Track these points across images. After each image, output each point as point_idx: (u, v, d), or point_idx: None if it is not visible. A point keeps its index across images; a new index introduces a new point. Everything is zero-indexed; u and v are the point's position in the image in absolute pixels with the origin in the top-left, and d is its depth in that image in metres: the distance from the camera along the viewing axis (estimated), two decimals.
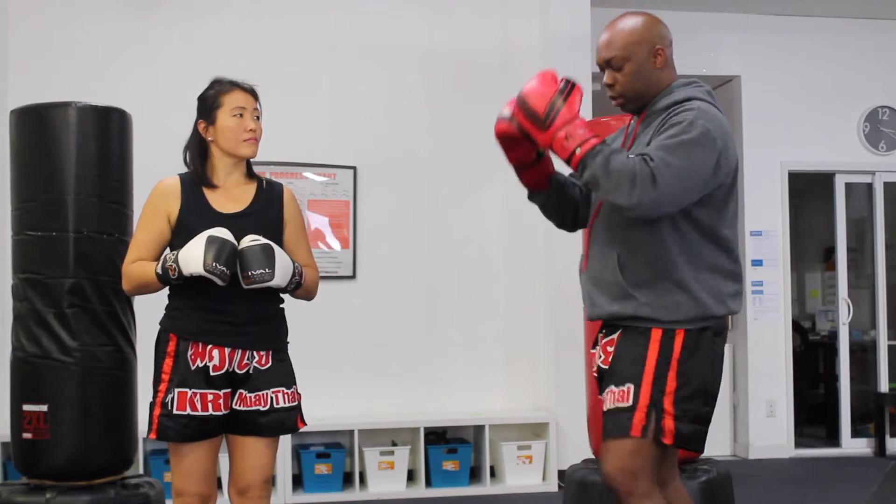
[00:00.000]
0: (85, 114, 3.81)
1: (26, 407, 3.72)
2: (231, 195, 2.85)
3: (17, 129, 3.87)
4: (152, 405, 2.77)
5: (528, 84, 2.53)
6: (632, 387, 2.47)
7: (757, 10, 6.99)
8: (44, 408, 3.68)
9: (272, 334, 2.86)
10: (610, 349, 2.59)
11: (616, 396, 2.50)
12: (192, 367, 2.74)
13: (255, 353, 2.80)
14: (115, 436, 3.78)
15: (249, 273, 2.68)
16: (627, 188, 2.38)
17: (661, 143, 2.43)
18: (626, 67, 2.59)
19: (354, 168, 6.09)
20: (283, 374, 2.85)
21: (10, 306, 3.88)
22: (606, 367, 2.60)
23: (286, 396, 2.83)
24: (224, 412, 2.77)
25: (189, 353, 2.75)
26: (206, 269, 2.62)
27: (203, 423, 2.74)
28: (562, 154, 2.49)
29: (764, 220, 7.05)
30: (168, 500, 3.84)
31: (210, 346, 2.75)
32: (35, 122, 3.83)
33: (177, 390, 2.72)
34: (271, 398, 2.80)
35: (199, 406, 2.72)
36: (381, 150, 6.12)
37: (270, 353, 2.83)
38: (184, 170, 2.92)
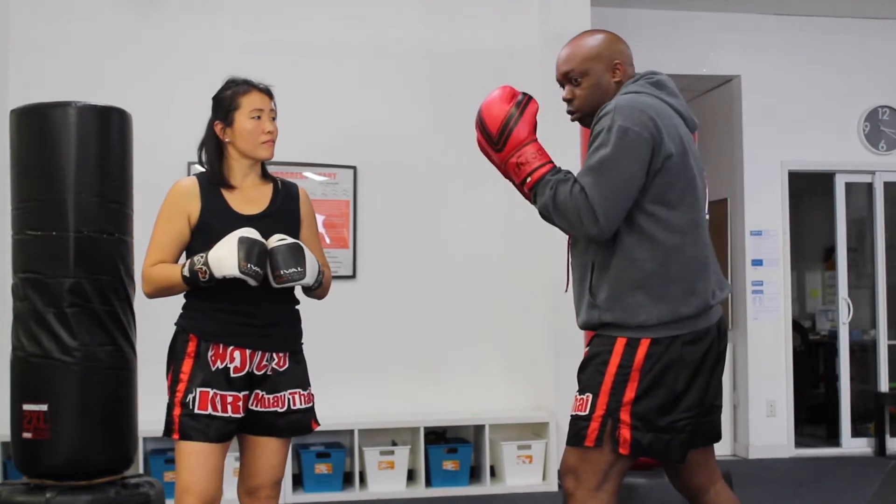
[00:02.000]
0: (85, 114, 3.81)
1: (26, 406, 3.72)
2: (249, 196, 2.84)
3: (17, 129, 3.87)
4: (171, 405, 2.72)
5: (485, 100, 2.55)
6: (590, 396, 2.49)
7: (757, 10, 6.99)
8: (44, 407, 3.68)
9: (291, 336, 2.86)
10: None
11: (577, 404, 2.53)
12: (213, 369, 2.71)
13: (274, 354, 2.79)
14: (115, 435, 3.78)
15: (282, 272, 2.68)
16: (576, 223, 2.43)
17: (589, 161, 2.44)
18: (584, 81, 2.60)
19: (354, 168, 6.09)
20: (299, 376, 2.85)
21: (10, 306, 3.88)
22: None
23: (302, 398, 2.83)
24: (241, 414, 2.75)
25: (210, 354, 2.72)
26: (241, 271, 2.61)
27: (224, 425, 2.71)
28: (515, 179, 2.53)
29: (764, 219, 7.05)
30: (168, 500, 3.84)
31: (231, 348, 2.73)
32: (35, 122, 3.83)
33: (199, 389, 2.69)
34: (288, 399, 2.80)
35: (219, 407, 2.70)
36: (381, 150, 6.12)
37: (288, 354, 2.83)
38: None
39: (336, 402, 5.90)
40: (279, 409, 2.79)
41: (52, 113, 3.80)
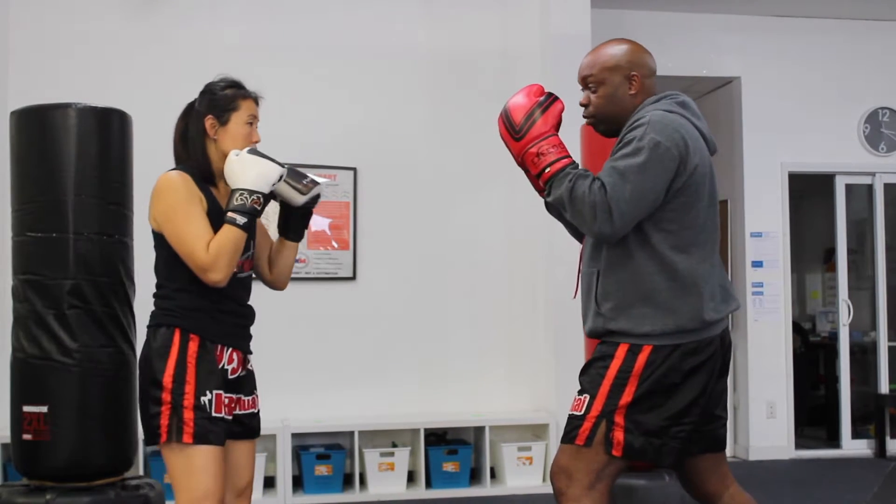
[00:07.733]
0: (85, 115, 3.81)
1: (26, 408, 3.72)
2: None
3: (17, 131, 3.87)
4: (177, 408, 2.58)
5: (514, 94, 2.61)
6: (587, 397, 2.53)
7: (757, 12, 6.99)
8: (44, 409, 3.68)
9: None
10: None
11: (574, 404, 2.58)
12: (218, 370, 2.68)
13: (247, 356, 2.82)
14: (115, 437, 3.78)
15: (308, 179, 2.76)
16: (588, 218, 2.47)
17: (615, 164, 2.48)
18: (600, 90, 2.65)
19: (354, 169, 6.09)
20: (254, 377, 2.86)
21: (10, 307, 3.87)
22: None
23: (257, 399, 2.86)
24: (231, 418, 2.74)
25: (214, 355, 2.67)
26: (287, 170, 2.69)
27: (229, 427, 2.69)
28: (533, 170, 2.58)
29: (764, 221, 7.05)
30: (168, 502, 3.84)
31: (231, 350, 2.72)
32: (35, 124, 3.83)
33: (215, 392, 2.63)
34: (256, 401, 2.84)
35: (228, 410, 2.69)
36: (381, 150, 6.12)
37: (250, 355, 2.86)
38: None
39: (336, 404, 5.91)
40: (255, 411, 2.82)
41: (52, 114, 3.80)
